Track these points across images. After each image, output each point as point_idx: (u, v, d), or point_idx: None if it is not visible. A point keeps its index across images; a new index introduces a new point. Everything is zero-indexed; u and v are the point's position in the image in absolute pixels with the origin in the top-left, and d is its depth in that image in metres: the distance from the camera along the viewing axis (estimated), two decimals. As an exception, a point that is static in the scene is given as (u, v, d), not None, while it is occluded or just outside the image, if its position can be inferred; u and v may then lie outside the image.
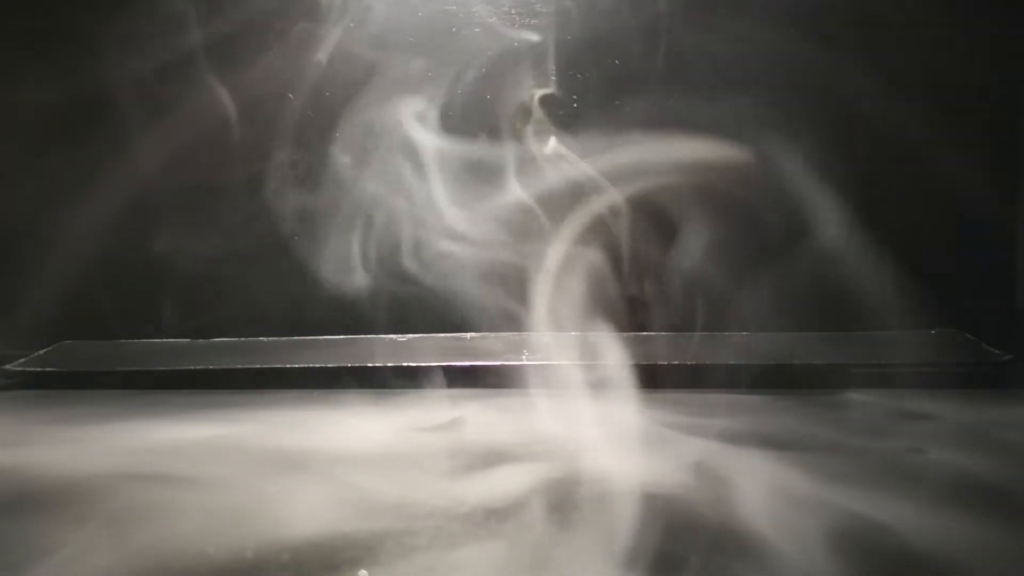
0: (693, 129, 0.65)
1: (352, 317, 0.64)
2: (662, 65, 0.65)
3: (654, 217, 0.65)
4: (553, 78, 0.66)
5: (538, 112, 0.65)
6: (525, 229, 0.64)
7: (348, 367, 0.59)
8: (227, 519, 0.38)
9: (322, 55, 0.66)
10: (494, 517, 0.37)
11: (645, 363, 0.58)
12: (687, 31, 0.65)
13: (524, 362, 0.60)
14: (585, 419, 0.51)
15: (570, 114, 0.66)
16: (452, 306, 0.64)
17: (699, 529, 0.35)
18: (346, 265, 0.64)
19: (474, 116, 0.66)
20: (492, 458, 0.45)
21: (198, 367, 0.60)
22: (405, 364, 0.59)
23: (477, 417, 0.52)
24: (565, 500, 0.39)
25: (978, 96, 0.65)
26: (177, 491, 0.41)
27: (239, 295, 0.67)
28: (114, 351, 0.65)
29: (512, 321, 0.63)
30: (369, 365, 0.59)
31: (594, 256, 0.63)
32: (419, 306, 0.64)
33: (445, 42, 0.66)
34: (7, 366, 0.60)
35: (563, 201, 0.64)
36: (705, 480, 0.41)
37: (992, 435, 0.49)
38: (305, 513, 0.38)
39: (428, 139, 0.64)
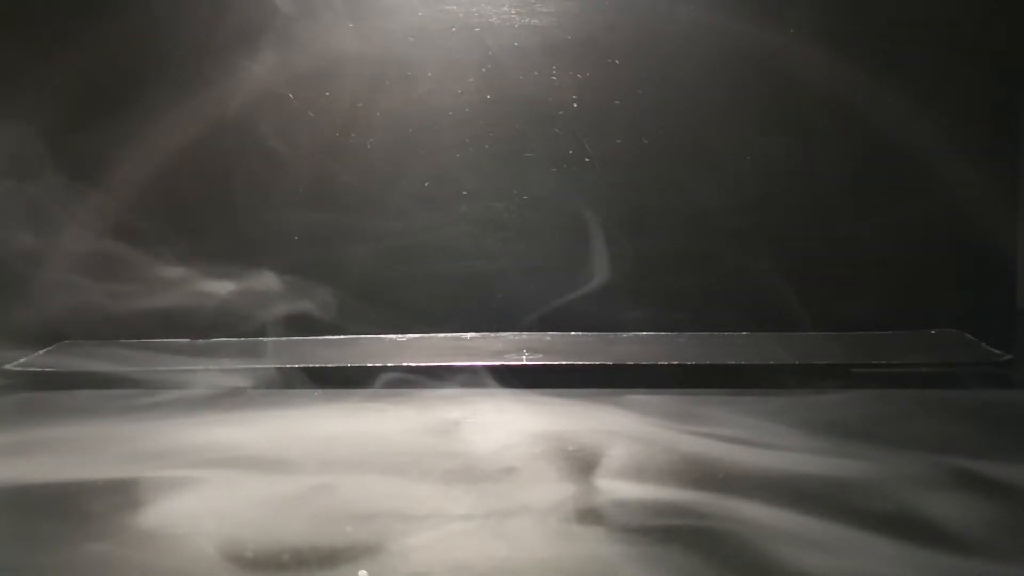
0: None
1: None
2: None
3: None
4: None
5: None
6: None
7: (348, 367, 0.59)
8: (230, 522, 0.38)
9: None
10: (495, 517, 0.37)
11: (640, 363, 0.58)
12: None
13: (524, 362, 0.60)
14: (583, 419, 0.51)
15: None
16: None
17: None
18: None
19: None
20: (494, 460, 0.45)
21: (198, 367, 0.60)
22: (405, 364, 0.59)
23: (477, 418, 0.52)
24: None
25: (978, 96, 0.65)
26: (183, 492, 0.41)
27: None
28: (114, 351, 0.65)
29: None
30: (369, 365, 0.59)
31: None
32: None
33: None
34: (7, 366, 0.60)
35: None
36: (710, 484, 0.41)
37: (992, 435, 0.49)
38: (305, 518, 0.38)
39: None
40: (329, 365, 0.59)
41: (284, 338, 0.66)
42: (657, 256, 0.67)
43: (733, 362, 0.59)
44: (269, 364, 0.60)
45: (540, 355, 0.61)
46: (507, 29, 0.66)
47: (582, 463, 0.44)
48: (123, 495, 0.40)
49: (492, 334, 0.66)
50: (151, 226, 0.67)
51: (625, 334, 0.66)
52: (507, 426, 0.51)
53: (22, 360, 0.61)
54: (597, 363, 0.59)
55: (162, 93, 0.66)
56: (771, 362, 0.58)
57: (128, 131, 0.66)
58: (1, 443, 0.49)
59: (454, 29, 0.66)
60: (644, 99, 0.66)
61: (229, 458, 0.45)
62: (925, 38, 0.65)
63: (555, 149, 0.67)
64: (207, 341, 0.66)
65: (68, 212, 0.66)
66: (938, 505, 0.38)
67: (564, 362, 0.59)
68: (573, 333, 0.66)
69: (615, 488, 0.40)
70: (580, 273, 0.67)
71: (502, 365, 0.59)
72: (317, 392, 0.57)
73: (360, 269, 0.67)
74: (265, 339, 0.66)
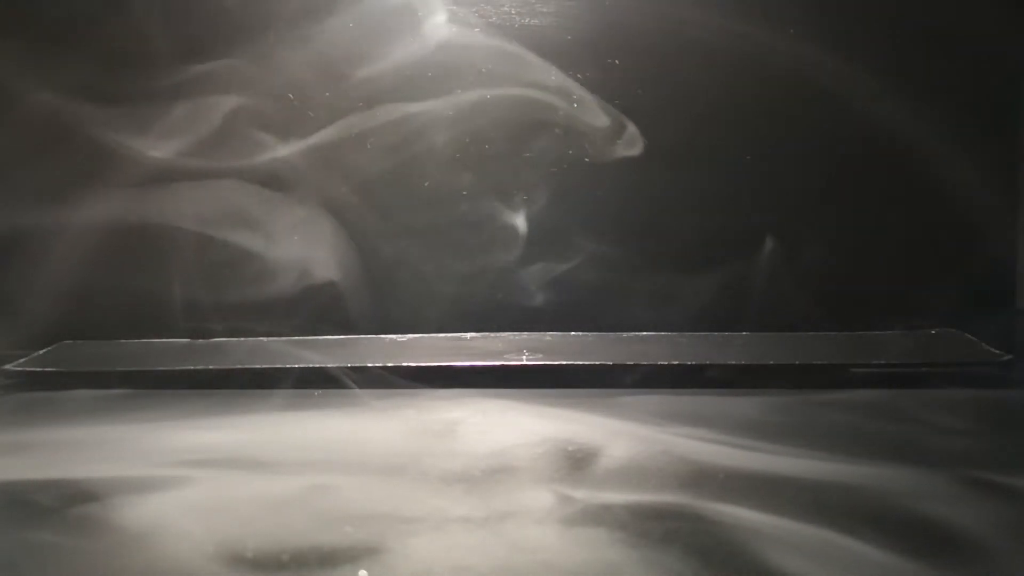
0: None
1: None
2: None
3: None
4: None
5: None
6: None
7: (348, 367, 0.59)
8: (230, 522, 0.38)
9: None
10: (495, 517, 0.37)
11: (640, 363, 0.58)
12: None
13: (524, 362, 0.60)
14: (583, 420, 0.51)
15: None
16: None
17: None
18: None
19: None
20: (494, 460, 0.45)
21: (198, 367, 0.60)
22: (405, 364, 0.59)
23: (476, 418, 0.52)
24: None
25: (978, 96, 0.65)
26: (182, 493, 0.41)
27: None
28: (114, 351, 0.65)
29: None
30: (369, 365, 0.59)
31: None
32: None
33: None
34: (7, 366, 0.60)
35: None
36: (705, 482, 0.41)
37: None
38: (306, 519, 0.38)
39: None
40: (328, 365, 0.59)
41: (283, 338, 0.66)
42: (657, 255, 0.67)
43: (734, 362, 0.59)
44: (268, 365, 0.60)
45: (540, 355, 0.61)
46: (507, 29, 0.66)
47: (582, 463, 0.44)
48: (122, 495, 0.40)
49: (492, 334, 0.66)
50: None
51: (625, 334, 0.65)
52: (507, 426, 0.51)
53: (22, 360, 0.61)
54: (597, 363, 0.59)
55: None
56: (771, 362, 0.58)
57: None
58: (0, 442, 0.49)
59: (454, 29, 0.66)
60: (644, 99, 0.66)
61: (228, 459, 0.45)
62: (925, 38, 0.65)
63: (555, 149, 0.66)
64: (207, 341, 0.66)
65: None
66: (939, 508, 0.38)
67: (564, 362, 0.59)
68: (573, 333, 0.66)
69: (615, 489, 0.40)
70: (580, 273, 0.67)
71: (502, 365, 0.59)
72: (317, 392, 0.57)
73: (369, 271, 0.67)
74: (265, 339, 0.66)
